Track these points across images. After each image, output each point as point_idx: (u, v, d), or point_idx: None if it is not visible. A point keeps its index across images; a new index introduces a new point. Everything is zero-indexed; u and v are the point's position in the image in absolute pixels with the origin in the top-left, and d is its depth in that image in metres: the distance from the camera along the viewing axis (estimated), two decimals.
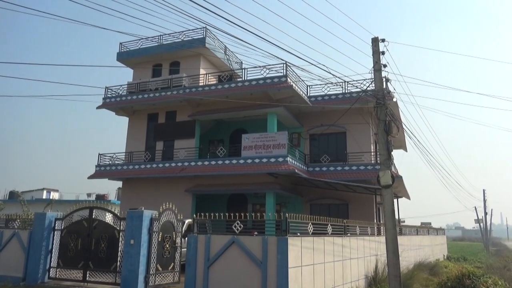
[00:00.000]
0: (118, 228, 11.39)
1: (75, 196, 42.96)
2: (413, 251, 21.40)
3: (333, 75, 11.81)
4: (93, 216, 11.99)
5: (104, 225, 11.82)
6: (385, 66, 11.81)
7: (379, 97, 11.53)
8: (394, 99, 17.53)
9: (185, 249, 10.92)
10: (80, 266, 11.74)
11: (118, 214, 11.87)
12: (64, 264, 12.14)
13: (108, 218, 12.34)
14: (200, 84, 21.52)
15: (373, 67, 11.79)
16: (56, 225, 12.58)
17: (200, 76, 21.80)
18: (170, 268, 11.38)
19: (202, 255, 10.01)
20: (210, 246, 9.98)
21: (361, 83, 18.64)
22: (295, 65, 12.03)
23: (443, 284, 13.47)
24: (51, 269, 12.29)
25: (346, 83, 20.64)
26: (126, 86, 23.27)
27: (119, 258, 11.14)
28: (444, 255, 33.17)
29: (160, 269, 10.99)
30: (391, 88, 12.06)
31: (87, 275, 11.56)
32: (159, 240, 11.07)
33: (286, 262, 9.00)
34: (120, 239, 11.24)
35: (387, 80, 11.83)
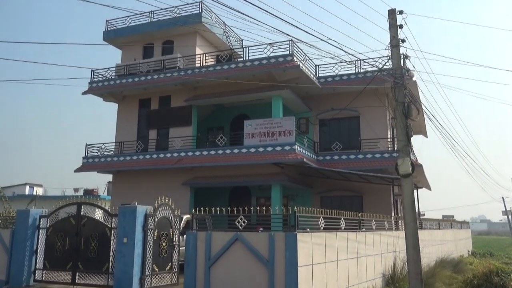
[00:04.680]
0: (110, 226, 11.43)
1: (61, 191, 43.31)
2: (435, 247, 21.45)
3: (345, 52, 11.73)
4: (82, 213, 12.02)
5: (94, 222, 11.86)
6: (403, 41, 11.68)
7: (397, 76, 11.42)
8: (414, 78, 17.35)
9: (184, 247, 10.96)
10: (68, 268, 11.81)
11: (109, 210, 11.90)
12: (51, 265, 12.22)
13: (98, 214, 12.39)
14: (197, 65, 21.41)
15: (390, 42, 11.66)
16: (41, 223, 12.63)
17: (197, 56, 21.67)
18: (167, 268, 11.44)
19: (203, 254, 10.04)
20: (211, 244, 9.99)
21: (377, 61, 18.43)
22: (302, 41, 11.93)
23: (469, 282, 13.51)
24: (36, 271, 12.38)
25: (359, 61, 20.43)
26: (114, 68, 23.18)
27: (111, 258, 11.20)
28: (468, 251, 33.27)
29: (156, 269, 11.05)
30: (410, 66, 11.95)
31: (77, 277, 11.63)
32: (155, 238, 11.11)
33: (296, 260, 9.01)
34: (112, 237, 11.28)
35: (406, 57, 11.71)
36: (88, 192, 35.71)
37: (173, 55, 22.18)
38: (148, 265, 10.81)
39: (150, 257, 10.88)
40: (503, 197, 55.79)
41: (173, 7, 22.36)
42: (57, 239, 12.17)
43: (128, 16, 23.57)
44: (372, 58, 19.49)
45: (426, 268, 15.87)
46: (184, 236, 11.33)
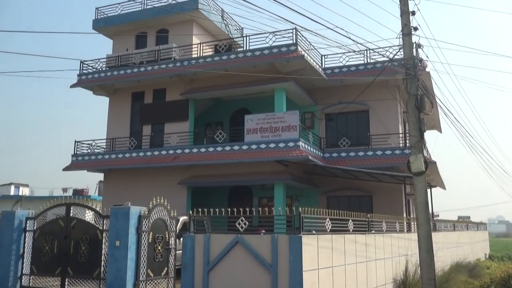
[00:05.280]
0: (101, 228, 11.46)
1: (49, 191, 43.43)
2: (450, 250, 21.48)
3: (353, 41, 11.70)
4: (71, 214, 12.05)
5: (84, 224, 11.90)
6: (415, 29, 11.68)
7: (409, 67, 11.43)
8: (427, 69, 17.32)
9: (180, 251, 10.99)
10: (57, 273, 11.85)
11: (100, 211, 11.93)
12: (39, 270, 12.26)
13: (89, 216, 12.41)
14: (194, 55, 21.41)
15: (402, 30, 11.66)
16: (28, 225, 12.67)
17: (193, 46, 21.65)
18: (163, 273, 11.48)
19: (201, 258, 10.08)
20: (209, 248, 10.03)
21: (387, 51, 18.45)
22: (307, 30, 11.91)
23: (486, 287, 13.54)
24: (23, 277, 12.43)
25: (369, 50, 20.43)
26: (105, 60, 23.19)
27: (103, 263, 11.24)
28: (485, 254, 33.30)
29: (151, 274, 11.08)
30: (423, 56, 11.95)
31: (66, 283, 11.67)
32: (150, 241, 11.14)
33: (300, 264, 9.04)
34: (104, 240, 11.31)
35: (418, 46, 11.71)
36: (78, 192, 35.82)
37: (168, 45, 22.18)
38: (143, 270, 10.84)
39: (144, 261, 10.91)
40: None
41: None
42: (45, 242, 12.20)
43: (119, 3, 23.58)
44: (383, 48, 19.43)
45: (440, 272, 15.91)
46: (181, 239, 11.36)
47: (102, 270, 11.19)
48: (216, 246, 9.98)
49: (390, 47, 18.42)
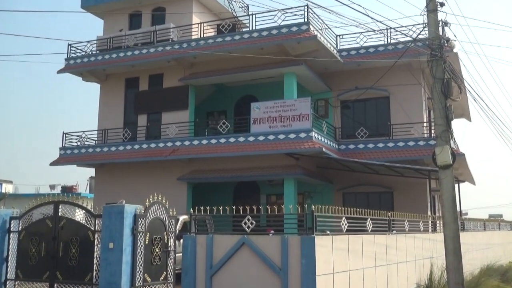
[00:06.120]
0: (93, 228, 11.53)
1: (35, 188, 43.70)
2: (479, 252, 21.44)
3: (372, 19, 11.64)
4: (60, 214, 12.12)
5: (74, 224, 11.97)
6: (442, 5, 11.60)
7: (435, 48, 11.35)
8: (455, 50, 17.24)
9: (181, 254, 11.05)
10: (45, 278, 11.96)
11: (92, 210, 12.00)
12: (25, 275, 12.37)
13: (79, 215, 12.48)
14: (194, 37, 21.37)
15: (426, 6, 11.59)
16: (12, 225, 12.75)
17: (193, 26, 21.61)
18: (161, 278, 11.55)
19: (203, 261, 10.11)
20: (213, 250, 10.06)
21: (410, 30, 18.31)
22: (321, 7, 11.86)
23: None
24: (8, 282, 12.54)
25: (389, 30, 20.30)
26: (95, 42, 23.22)
27: (95, 267, 11.31)
28: None
29: (148, 280, 11.16)
30: (450, 35, 11.87)
31: None
32: (147, 242, 11.20)
33: (313, 268, 9.05)
34: (96, 242, 11.38)
35: (445, 24, 11.64)
36: (67, 190, 36.07)
37: (165, 25, 22.15)
38: (139, 275, 10.91)
39: (141, 265, 10.98)
40: None
41: None
42: (31, 244, 12.29)
43: None
44: (405, 26, 19.32)
45: (469, 277, 15.89)
46: (181, 240, 11.41)
47: (94, 274, 11.27)
48: (220, 248, 10.01)
49: (413, 25, 18.33)
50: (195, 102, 21.75)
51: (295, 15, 18.99)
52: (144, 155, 20.61)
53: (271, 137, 18.43)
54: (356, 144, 20.27)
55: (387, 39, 20.59)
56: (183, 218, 14.64)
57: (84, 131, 22.65)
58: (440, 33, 11.57)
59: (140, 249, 11.01)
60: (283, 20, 19.23)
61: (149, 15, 23.17)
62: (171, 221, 12.05)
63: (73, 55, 23.09)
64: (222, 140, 19.35)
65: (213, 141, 19.53)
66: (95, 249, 11.36)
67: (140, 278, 10.94)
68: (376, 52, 20.70)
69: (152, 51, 21.16)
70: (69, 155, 22.27)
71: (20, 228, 12.69)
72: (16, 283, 12.49)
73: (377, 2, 14.40)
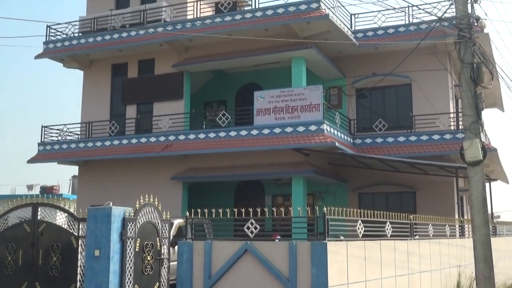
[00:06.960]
0: (76, 234, 11.55)
1: (10, 189, 43.77)
2: None
3: None
4: (39, 217, 12.14)
5: (55, 229, 12.00)
6: None
7: (463, 28, 11.30)
8: (486, 30, 17.16)
9: (175, 262, 11.08)
10: None
11: (75, 213, 12.03)
12: (0, 286, 12.43)
13: (61, 219, 12.51)
14: (189, 17, 21.34)
15: None
16: None
17: (188, 4, 21.58)
18: None
19: (201, 270, 10.14)
20: (211, 258, 10.08)
21: (435, 7, 18.24)
22: None
23: None
24: None
25: (411, 7, 20.20)
26: (77, 23, 23.20)
27: (79, 277, 11.35)
28: None
29: None
30: (480, 13, 11.81)
31: None
32: (137, 250, 11.22)
33: (325, 278, 9.06)
34: (80, 249, 11.42)
35: (475, 0, 11.56)
36: (47, 190, 36.16)
37: (156, 3, 22.10)
38: (128, 286, 10.94)
39: (130, 275, 11.01)
40: None
41: None
42: (7, 251, 12.34)
43: None
44: (429, 3, 19.26)
45: (501, 287, 15.89)
46: (176, 247, 11.44)
47: (78, 285, 11.32)
48: (219, 256, 10.03)
49: (439, 2, 18.23)
50: (191, 91, 21.76)
51: None
52: (134, 151, 20.63)
53: (277, 130, 18.42)
54: (373, 138, 20.24)
55: (409, 18, 20.51)
56: (178, 222, 14.66)
57: (65, 124, 22.68)
58: (469, 11, 11.52)
59: (130, 257, 11.02)
60: None
61: None
62: (165, 226, 12.07)
63: (52, 38, 23.10)
64: (222, 134, 19.35)
65: (212, 135, 19.53)
66: (79, 257, 11.38)
67: None
68: (396, 33, 20.64)
69: (142, 34, 21.15)
70: (48, 151, 22.30)
71: None
72: None
73: None
